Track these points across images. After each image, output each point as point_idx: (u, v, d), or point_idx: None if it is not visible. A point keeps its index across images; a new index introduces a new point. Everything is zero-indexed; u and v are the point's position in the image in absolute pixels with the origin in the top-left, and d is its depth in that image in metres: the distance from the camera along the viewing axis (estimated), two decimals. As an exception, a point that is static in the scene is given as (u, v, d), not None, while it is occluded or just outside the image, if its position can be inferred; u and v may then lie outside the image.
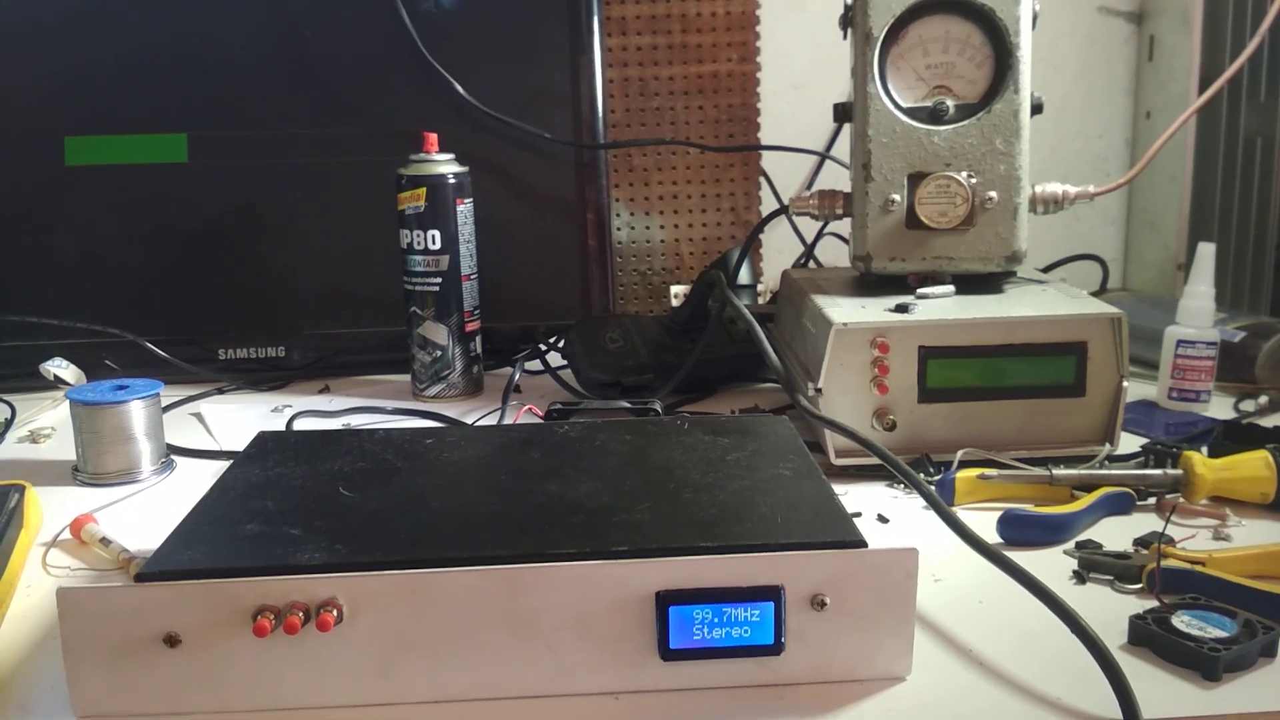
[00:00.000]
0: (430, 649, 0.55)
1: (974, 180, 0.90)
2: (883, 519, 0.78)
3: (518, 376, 1.02)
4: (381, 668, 0.55)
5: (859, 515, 0.79)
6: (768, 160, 1.35)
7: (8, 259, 1.17)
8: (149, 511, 0.83)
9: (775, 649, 0.56)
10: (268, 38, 1.17)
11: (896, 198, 0.91)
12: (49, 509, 0.81)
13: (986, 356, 0.84)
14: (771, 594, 0.55)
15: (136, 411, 0.89)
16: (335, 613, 0.54)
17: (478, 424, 0.98)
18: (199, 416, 1.06)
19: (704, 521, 0.59)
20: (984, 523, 0.74)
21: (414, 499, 0.64)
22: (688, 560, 0.55)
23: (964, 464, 0.81)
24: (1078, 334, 0.84)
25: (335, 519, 0.61)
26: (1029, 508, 0.75)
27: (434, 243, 1.05)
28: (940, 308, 0.87)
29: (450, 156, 1.07)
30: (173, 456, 0.93)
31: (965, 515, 0.78)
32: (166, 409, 1.07)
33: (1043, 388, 0.85)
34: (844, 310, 0.86)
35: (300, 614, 0.54)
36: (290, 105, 1.17)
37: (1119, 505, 0.77)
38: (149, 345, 1.14)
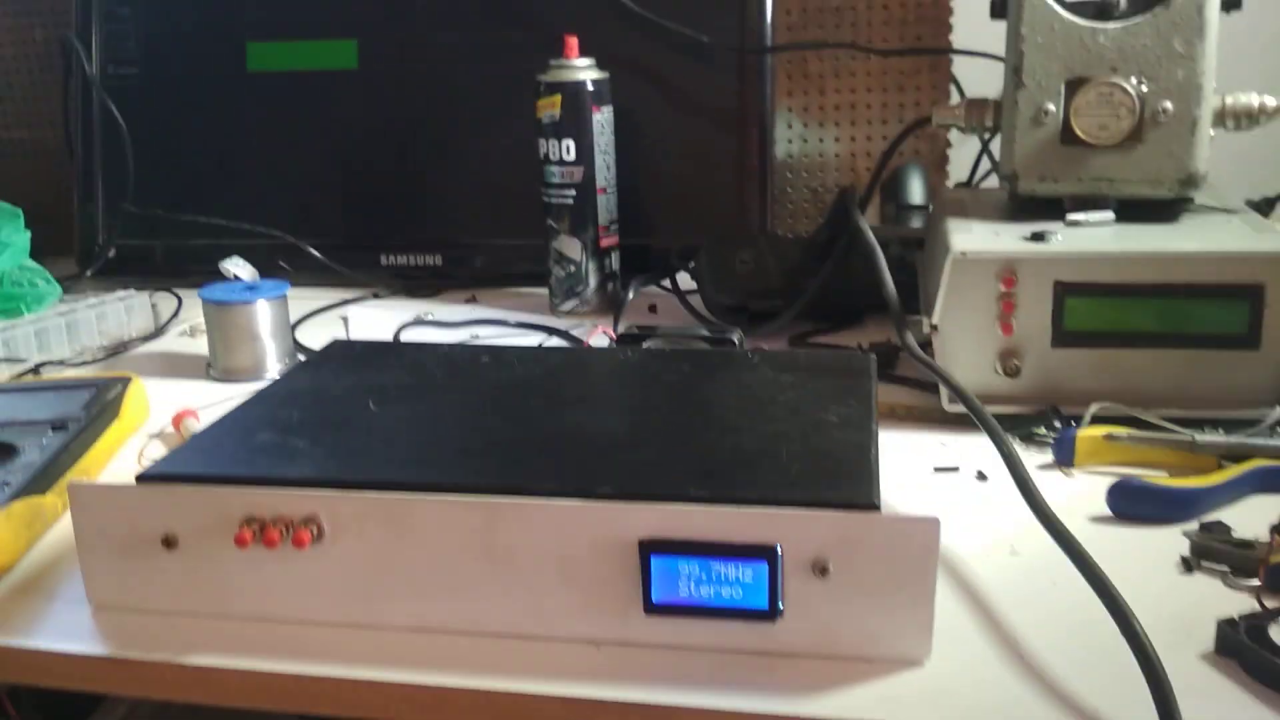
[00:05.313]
0: (409, 576, 0.53)
1: (1145, 88, 0.77)
2: (982, 476, 0.69)
3: (631, 296, 0.97)
4: (362, 589, 0.54)
5: (955, 470, 0.70)
6: (960, 66, 1.22)
7: (197, 162, 1.24)
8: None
9: (770, 614, 0.50)
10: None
11: (1051, 107, 0.79)
12: (180, 402, 0.84)
13: (1137, 296, 0.72)
14: (765, 553, 0.49)
15: (262, 311, 0.92)
16: (314, 530, 0.53)
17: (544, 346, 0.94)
18: (344, 319, 1.09)
19: (704, 468, 0.54)
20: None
21: (427, 420, 0.61)
22: (673, 508, 0.50)
23: (1096, 420, 0.71)
24: (1253, 275, 0.71)
25: (345, 435, 0.59)
26: (1154, 477, 0.64)
27: (569, 153, 1.02)
28: (1088, 237, 0.75)
29: (590, 61, 1.02)
30: (300, 356, 0.96)
31: (1086, 481, 0.69)
32: (320, 311, 1.11)
33: (1207, 337, 0.72)
34: (971, 236, 0.76)
35: (282, 528, 0.53)
36: (456, 8, 1.16)
37: (1272, 482, 0.65)
38: (311, 250, 1.17)
